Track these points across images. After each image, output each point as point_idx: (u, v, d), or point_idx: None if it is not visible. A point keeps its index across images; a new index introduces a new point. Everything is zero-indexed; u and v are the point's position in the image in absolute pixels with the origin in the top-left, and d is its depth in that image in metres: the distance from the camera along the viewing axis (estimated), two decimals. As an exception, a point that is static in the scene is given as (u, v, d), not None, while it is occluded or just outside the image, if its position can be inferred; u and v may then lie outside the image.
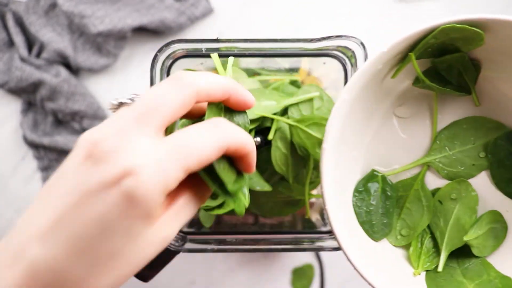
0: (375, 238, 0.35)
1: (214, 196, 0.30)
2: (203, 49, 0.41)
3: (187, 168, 0.21)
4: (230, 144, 0.23)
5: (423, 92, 0.36)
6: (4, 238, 0.21)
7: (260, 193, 0.41)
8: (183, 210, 0.23)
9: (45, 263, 0.20)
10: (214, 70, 0.44)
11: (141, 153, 0.20)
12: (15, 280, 0.20)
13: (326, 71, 0.43)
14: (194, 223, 0.45)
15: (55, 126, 0.54)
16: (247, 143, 0.24)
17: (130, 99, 0.28)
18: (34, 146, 0.54)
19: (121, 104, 0.27)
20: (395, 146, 0.37)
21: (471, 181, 0.36)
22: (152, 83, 0.40)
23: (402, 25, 0.55)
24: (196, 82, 0.23)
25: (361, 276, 0.29)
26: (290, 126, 0.38)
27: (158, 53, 0.40)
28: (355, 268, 0.29)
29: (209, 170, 0.24)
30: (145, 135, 0.21)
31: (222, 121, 0.23)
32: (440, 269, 0.34)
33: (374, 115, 0.36)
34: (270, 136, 0.39)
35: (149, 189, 0.20)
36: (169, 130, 0.25)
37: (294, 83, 0.45)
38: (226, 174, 0.24)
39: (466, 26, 0.29)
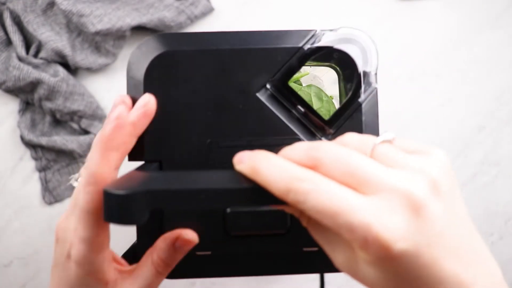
0: None
1: None
2: (203, 48, 0.40)
3: None
4: None
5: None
6: None
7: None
8: None
9: None
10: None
11: None
12: None
13: (326, 70, 0.43)
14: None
15: (53, 126, 0.54)
16: None
17: None
18: (32, 146, 0.53)
19: None
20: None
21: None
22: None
23: (403, 24, 0.55)
24: None
25: None
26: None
27: (158, 53, 0.40)
28: None
29: None
30: None
31: None
32: None
33: None
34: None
35: None
36: None
37: (294, 82, 0.45)
38: None
39: None
